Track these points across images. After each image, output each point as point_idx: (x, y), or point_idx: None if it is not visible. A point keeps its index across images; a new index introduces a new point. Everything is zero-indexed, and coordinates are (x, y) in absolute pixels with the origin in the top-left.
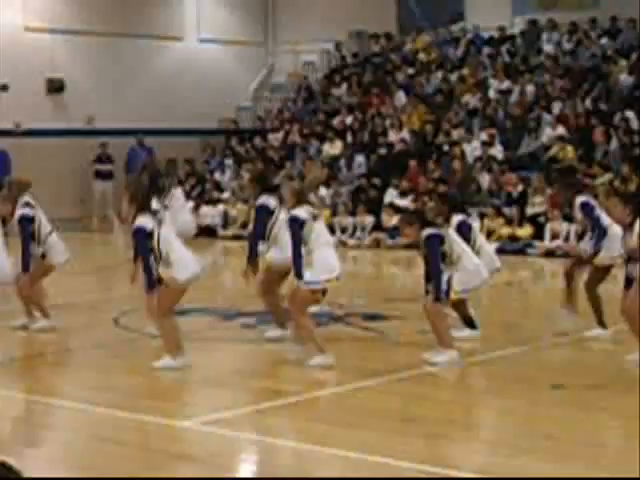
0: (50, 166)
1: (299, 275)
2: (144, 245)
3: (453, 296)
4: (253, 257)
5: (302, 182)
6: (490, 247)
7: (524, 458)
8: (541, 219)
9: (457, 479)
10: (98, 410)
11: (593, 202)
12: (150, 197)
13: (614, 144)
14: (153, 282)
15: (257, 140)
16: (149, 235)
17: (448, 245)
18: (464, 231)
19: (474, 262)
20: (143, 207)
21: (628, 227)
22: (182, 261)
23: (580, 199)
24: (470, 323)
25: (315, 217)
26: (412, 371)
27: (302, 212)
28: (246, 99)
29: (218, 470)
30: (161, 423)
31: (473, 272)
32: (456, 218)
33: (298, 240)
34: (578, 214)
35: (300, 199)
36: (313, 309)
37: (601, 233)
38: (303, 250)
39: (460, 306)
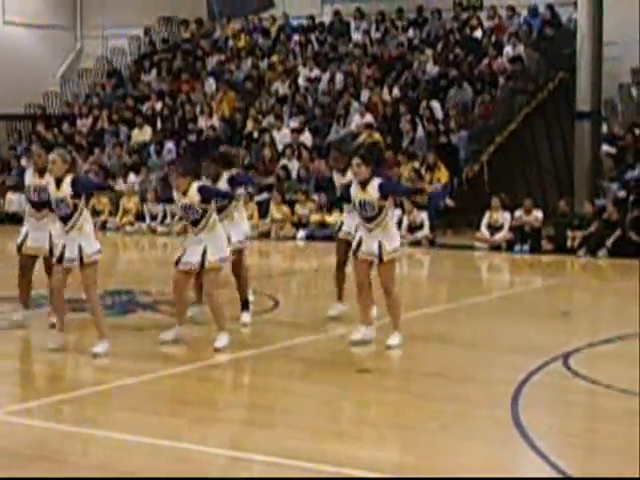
0: None
1: None
2: None
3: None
4: None
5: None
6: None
7: (330, 441)
8: None
9: (265, 463)
10: None
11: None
12: None
13: (420, 132)
14: None
15: (65, 126)
16: None
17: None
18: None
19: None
20: None
21: None
22: None
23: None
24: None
25: None
26: (218, 358)
27: None
28: (53, 84)
29: (24, 461)
30: None
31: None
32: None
33: None
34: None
35: None
36: None
37: None
38: None
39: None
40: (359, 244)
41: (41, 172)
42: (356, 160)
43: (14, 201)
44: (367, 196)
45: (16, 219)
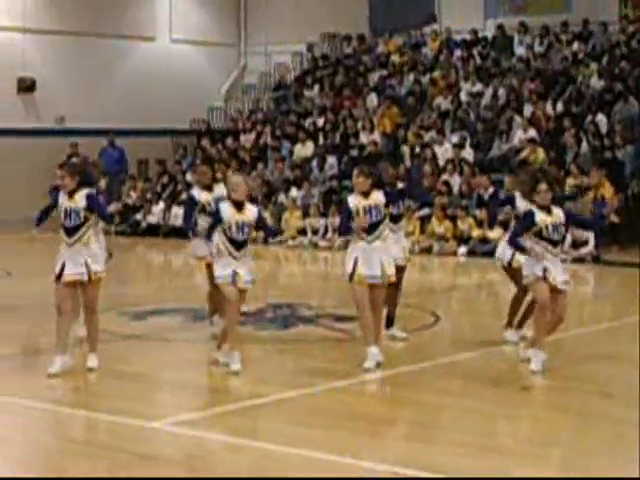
0: (20, 166)
1: None
2: None
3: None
4: None
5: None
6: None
7: (493, 459)
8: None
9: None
10: (65, 411)
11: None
12: None
13: (584, 147)
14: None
15: (229, 141)
16: None
17: None
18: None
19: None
20: None
21: None
22: None
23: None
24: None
25: None
26: (382, 373)
27: None
28: (218, 99)
29: (188, 471)
30: (129, 424)
31: None
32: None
33: None
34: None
35: None
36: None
37: None
38: None
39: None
40: (548, 272)
41: (208, 188)
42: (543, 186)
43: (179, 215)
44: (555, 219)
45: (180, 233)
